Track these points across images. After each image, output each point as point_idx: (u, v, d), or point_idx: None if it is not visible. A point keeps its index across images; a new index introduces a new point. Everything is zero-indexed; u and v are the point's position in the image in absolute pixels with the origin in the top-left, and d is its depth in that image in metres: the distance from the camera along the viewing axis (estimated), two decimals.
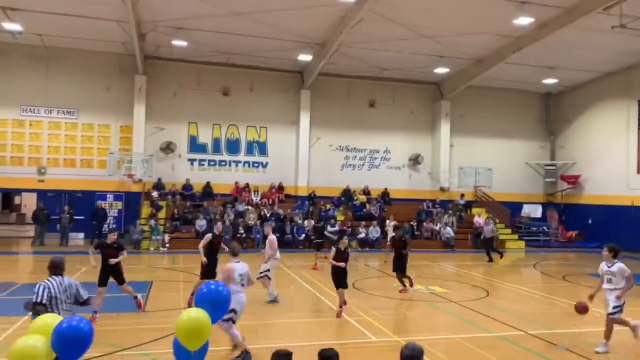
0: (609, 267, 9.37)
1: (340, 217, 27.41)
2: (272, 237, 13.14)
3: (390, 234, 21.94)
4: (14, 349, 4.65)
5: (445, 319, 12.03)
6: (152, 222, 24.05)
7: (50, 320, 5.06)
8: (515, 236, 29.31)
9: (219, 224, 13.55)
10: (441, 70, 28.46)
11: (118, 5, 20.23)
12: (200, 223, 24.28)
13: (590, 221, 30.07)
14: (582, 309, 9.82)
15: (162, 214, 25.34)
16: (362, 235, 25.87)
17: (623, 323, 9.37)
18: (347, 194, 29.34)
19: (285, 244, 24.59)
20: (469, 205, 30.59)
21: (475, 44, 24.61)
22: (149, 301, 12.25)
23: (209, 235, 12.28)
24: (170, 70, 27.57)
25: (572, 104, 32.36)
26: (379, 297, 13.90)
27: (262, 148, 29.25)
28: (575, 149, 32.15)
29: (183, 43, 24.61)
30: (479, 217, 28.39)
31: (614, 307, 9.18)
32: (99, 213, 25.37)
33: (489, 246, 22.68)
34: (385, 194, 29.98)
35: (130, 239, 23.61)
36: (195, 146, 28.30)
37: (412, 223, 27.22)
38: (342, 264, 11.44)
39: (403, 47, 24.89)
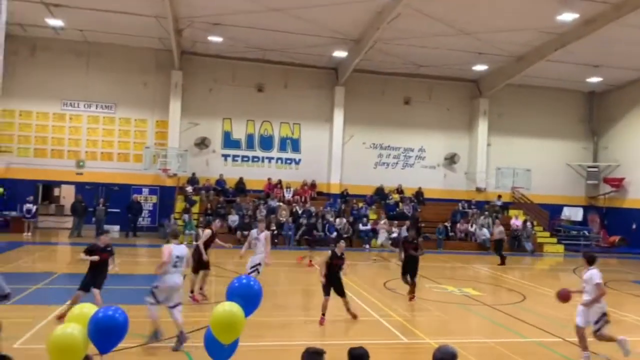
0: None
1: (372, 216, 27.35)
2: (267, 233, 13.06)
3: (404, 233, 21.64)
4: (52, 337, 4.83)
5: (479, 322, 11.92)
6: (186, 216, 24.46)
7: (87, 309, 5.21)
8: (554, 240, 28.75)
9: (217, 221, 14.08)
10: (480, 67, 28.10)
11: (156, 1, 20.64)
12: (233, 218, 24.62)
13: (634, 226, 29.27)
14: (563, 296, 9.23)
15: (195, 209, 25.74)
16: (395, 234, 25.71)
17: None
18: (380, 192, 29.25)
19: (316, 242, 24.67)
20: (506, 206, 30.12)
21: (516, 40, 24.20)
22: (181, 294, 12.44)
23: (208, 232, 12.82)
24: (205, 66, 27.95)
25: (617, 104, 31.51)
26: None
27: (295, 145, 29.40)
28: (619, 151, 31.31)
29: (219, 39, 24.94)
30: (517, 220, 27.98)
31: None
32: (134, 206, 25.94)
33: (500, 248, 22.04)
34: (419, 193, 29.77)
35: (164, 233, 24.04)
36: (229, 142, 28.64)
37: (446, 224, 26.98)
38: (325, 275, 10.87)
39: (440, 44, 24.65)
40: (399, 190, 29.61)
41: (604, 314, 8.65)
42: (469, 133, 31.34)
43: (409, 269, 13.37)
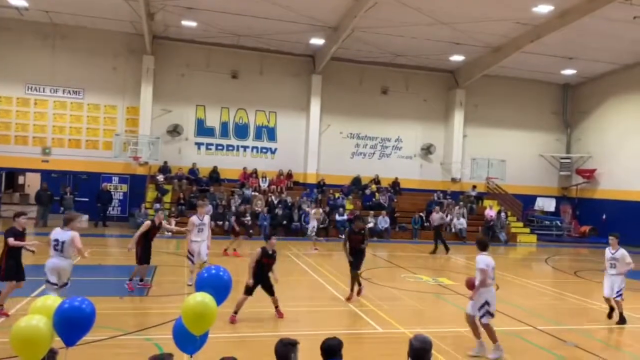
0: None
1: (349, 206, 27.42)
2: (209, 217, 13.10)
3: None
4: (16, 329, 4.70)
5: (453, 312, 12.03)
6: (157, 205, 24.14)
7: (51, 301, 5.11)
8: (528, 230, 29.22)
9: (159, 213, 13.43)
10: (457, 57, 28.27)
11: None
12: (207, 208, 24.34)
13: (604, 217, 29.89)
14: (469, 284, 9.24)
15: (167, 198, 25.46)
16: (371, 225, 25.85)
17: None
18: (357, 182, 29.32)
19: (293, 232, 24.73)
20: (480, 197, 30.49)
21: (493, 31, 24.39)
22: (153, 286, 12.33)
23: (148, 223, 12.32)
24: (178, 51, 27.56)
25: (590, 96, 32.07)
26: (386, 287, 13.92)
27: (271, 133, 29.25)
28: (591, 143, 31.91)
29: (192, 23, 24.58)
30: (491, 210, 28.36)
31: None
32: (104, 195, 25.54)
33: (439, 235, 21.85)
34: (395, 183, 29.93)
35: (135, 223, 23.73)
36: (202, 130, 28.34)
37: (421, 214, 27.20)
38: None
39: (418, 33, 24.71)
40: (376, 181, 29.72)
41: (486, 303, 8.57)
42: (445, 124, 31.57)
43: (355, 261, 12.13)
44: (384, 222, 25.93)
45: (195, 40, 27.13)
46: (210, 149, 28.49)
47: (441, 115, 31.54)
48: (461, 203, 28.57)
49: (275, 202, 25.98)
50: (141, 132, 26.36)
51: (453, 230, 26.97)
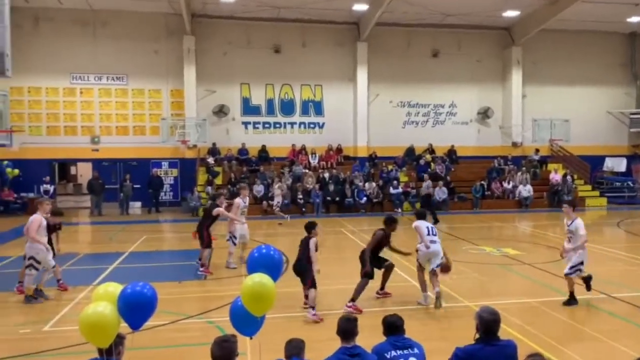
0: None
1: (403, 178, 27.30)
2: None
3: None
4: (84, 317, 4.98)
5: (519, 282, 11.94)
6: (209, 188, 24.72)
7: (112, 288, 5.36)
8: (597, 193, 28.40)
9: (222, 197, 13.73)
10: (511, 13, 27.44)
11: None
12: (258, 188, 24.82)
13: None
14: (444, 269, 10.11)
15: (218, 180, 25.97)
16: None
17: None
18: (411, 153, 29.11)
19: (345, 208, 24.86)
20: (544, 160, 29.78)
21: None
22: (211, 269, 12.72)
23: (218, 209, 12.81)
24: (218, 29, 27.83)
25: None
26: None
27: (318, 107, 29.30)
28: None
29: None
30: (556, 174, 27.67)
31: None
32: (155, 181, 26.28)
33: (429, 204, 21.44)
34: (451, 151, 29.54)
35: (188, 207, 24.43)
36: (248, 108, 28.68)
37: (482, 182, 26.80)
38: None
39: None
40: (430, 150, 29.41)
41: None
42: (502, 85, 30.80)
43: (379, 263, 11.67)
44: (441, 193, 25.71)
45: (234, 16, 27.29)
46: (258, 128, 28.83)
47: (497, 76, 30.76)
48: (524, 169, 27.96)
49: (327, 178, 26.13)
50: (187, 114, 26.90)
51: (517, 197, 26.49)
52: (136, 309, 5.08)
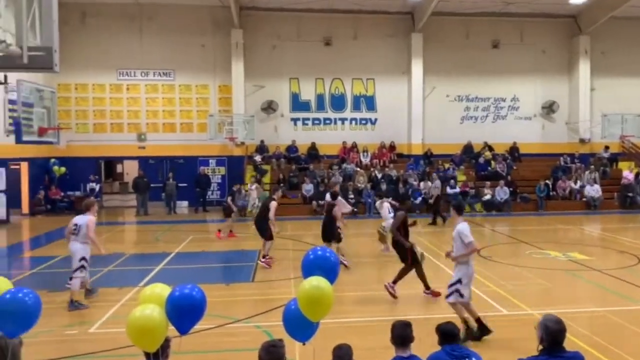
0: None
1: (461, 177, 26.92)
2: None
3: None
4: (132, 319, 5.11)
5: (587, 290, 11.63)
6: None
7: (159, 289, 5.45)
8: None
9: (279, 191, 15.15)
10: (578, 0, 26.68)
11: None
12: (307, 187, 24.95)
13: None
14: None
15: (266, 179, 26.21)
16: (488, 197, 25.26)
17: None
18: (469, 150, 28.68)
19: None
20: (614, 158, 28.84)
21: None
22: (257, 271, 12.89)
23: (274, 204, 13.97)
24: (267, 22, 28.09)
25: None
26: (509, 265, 13.65)
27: (370, 103, 29.23)
28: None
29: None
30: (629, 173, 26.76)
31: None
32: (202, 179, 26.70)
33: (436, 206, 21.91)
34: (513, 148, 28.94)
35: (235, 206, 24.68)
36: (297, 104, 28.86)
37: (546, 182, 26.16)
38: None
39: None
40: (490, 147, 28.89)
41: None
42: (568, 77, 29.98)
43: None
44: (502, 193, 25.22)
45: (284, 7, 27.47)
46: (307, 124, 28.98)
47: (563, 68, 29.95)
48: (592, 167, 27.13)
49: (379, 176, 26.01)
50: (235, 111, 27.27)
51: (584, 198, 25.74)
52: (185, 312, 5.16)
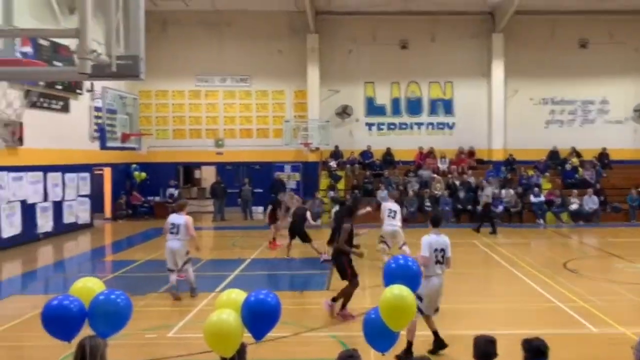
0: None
1: (546, 185, 26.06)
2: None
3: None
4: (208, 325, 5.25)
5: None
6: (331, 193, 25.10)
7: (235, 295, 5.58)
8: None
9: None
10: None
11: None
12: (382, 194, 24.75)
13: None
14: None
15: (340, 185, 26.33)
16: (575, 206, 24.31)
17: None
18: (555, 156, 27.74)
19: (478, 217, 24.05)
20: None
21: None
22: (333, 281, 12.91)
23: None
24: (343, 26, 28.25)
25: None
26: (599, 280, 13.12)
27: (448, 106, 28.80)
28: None
29: None
30: None
31: None
32: (278, 185, 27.01)
33: (486, 214, 21.36)
34: (603, 155, 27.76)
35: (310, 212, 24.87)
36: (372, 109, 28.83)
37: (639, 190, 24.94)
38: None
39: None
40: (577, 153, 27.82)
41: None
42: None
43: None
44: (591, 202, 24.22)
45: (360, 11, 27.54)
46: (382, 129, 28.88)
47: None
48: None
49: (457, 184, 25.53)
50: (310, 116, 27.55)
51: None
52: (260, 318, 5.26)
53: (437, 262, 8.35)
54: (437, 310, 8.50)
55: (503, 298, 11.89)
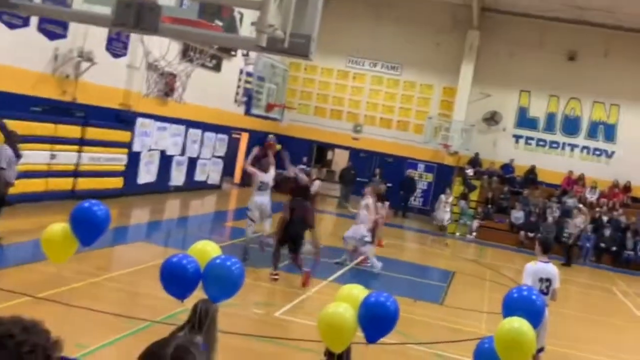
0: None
1: None
2: None
3: None
4: (324, 315, 5.55)
5: None
6: (462, 203, 24.70)
7: (357, 291, 5.84)
8: None
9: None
10: None
11: None
12: (517, 214, 24.03)
13: None
14: None
15: (474, 196, 25.78)
16: None
17: None
18: None
19: (623, 262, 22.63)
20: None
21: None
22: (449, 294, 12.88)
23: None
24: (508, 26, 27.51)
25: None
26: None
27: (610, 132, 27.28)
28: None
29: None
30: None
31: None
32: (408, 183, 27.10)
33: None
34: None
35: (436, 218, 24.75)
36: (524, 120, 28.01)
37: None
38: None
39: None
40: None
41: None
42: None
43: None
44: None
45: (529, 13, 26.71)
46: (530, 144, 27.98)
47: None
48: None
49: (605, 220, 24.05)
50: (455, 117, 27.23)
51: None
52: (376, 321, 5.49)
53: (541, 292, 7.88)
54: (541, 349, 7.93)
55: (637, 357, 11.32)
